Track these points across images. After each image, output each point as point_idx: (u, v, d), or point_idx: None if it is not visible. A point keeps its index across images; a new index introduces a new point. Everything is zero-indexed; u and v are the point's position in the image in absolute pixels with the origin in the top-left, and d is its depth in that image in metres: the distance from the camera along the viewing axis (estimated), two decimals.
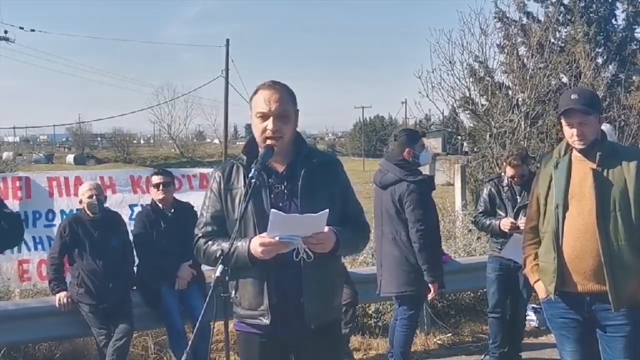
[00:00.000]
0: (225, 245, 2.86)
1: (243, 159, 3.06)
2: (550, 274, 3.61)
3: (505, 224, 5.55)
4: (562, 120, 3.62)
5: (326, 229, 2.81)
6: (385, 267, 5.47)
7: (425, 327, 6.83)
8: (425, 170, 5.68)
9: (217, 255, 2.84)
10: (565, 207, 3.56)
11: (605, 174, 3.53)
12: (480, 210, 5.90)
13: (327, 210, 2.76)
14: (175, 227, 5.51)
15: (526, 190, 5.64)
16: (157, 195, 5.68)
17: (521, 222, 5.35)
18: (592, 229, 3.49)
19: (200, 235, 3.08)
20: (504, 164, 5.97)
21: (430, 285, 5.28)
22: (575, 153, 3.63)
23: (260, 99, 2.97)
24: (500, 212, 5.74)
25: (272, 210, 2.77)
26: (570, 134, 3.58)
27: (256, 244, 2.81)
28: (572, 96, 3.59)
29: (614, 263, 3.46)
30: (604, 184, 3.51)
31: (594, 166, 3.54)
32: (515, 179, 5.71)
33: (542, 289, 3.72)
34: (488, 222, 5.78)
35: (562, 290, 3.61)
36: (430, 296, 5.37)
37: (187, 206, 5.76)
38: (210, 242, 3.02)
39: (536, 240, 3.79)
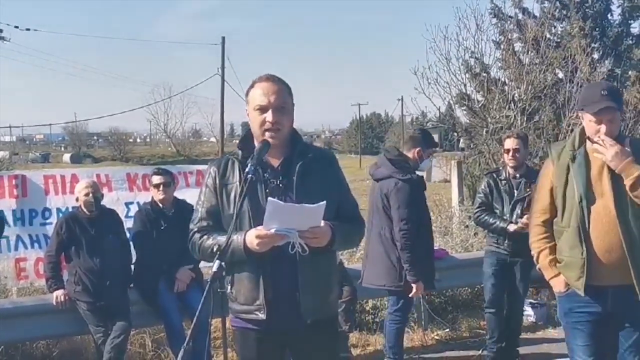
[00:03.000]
0: (221, 239, 2.86)
1: (238, 154, 3.06)
2: (578, 268, 3.56)
3: (515, 228, 5.51)
4: (588, 115, 3.55)
5: (322, 223, 2.81)
6: (370, 259, 5.51)
7: (423, 322, 6.84)
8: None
9: (214, 250, 2.85)
10: (590, 201, 3.53)
11: None
12: (478, 203, 5.88)
13: (325, 202, 2.75)
14: (176, 227, 5.46)
15: (524, 183, 5.65)
16: (157, 195, 5.66)
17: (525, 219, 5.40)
18: (615, 222, 3.49)
19: (195, 230, 3.07)
20: (504, 140, 5.89)
21: (413, 284, 5.24)
22: (589, 145, 3.60)
23: (258, 92, 2.97)
24: (497, 206, 5.74)
25: (270, 198, 2.75)
26: (596, 130, 3.53)
27: (252, 236, 2.81)
28: (602, 92, 3.52)
29: (636, 254, 3.46)
30: (620, 176, 3.51)
31: None
32: (510, 155, 5.67)
33: (561, 283, 3.68)
34: (492, 220, 5.73)
35: (587, 284, 3.57)
36: (411, 294, 5.31)
37: (187, 205, 5.71)
38: (205, 237, 3.02)
39: (547, 234, 3.74)
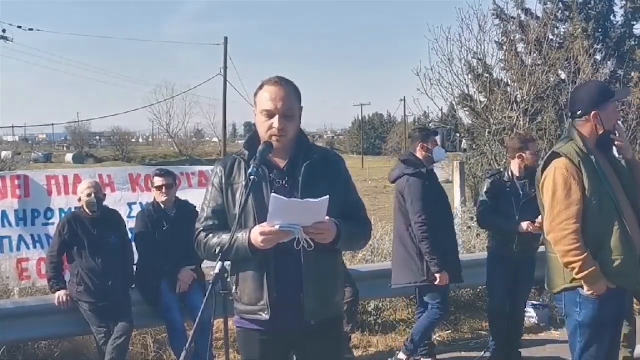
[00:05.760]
0: (226, 238, 2.86)
1: (245, 154, 3.05)
2: (637, 267, 3.50)
3: (531, 228, 5.49)
4: (613, 106, 3.58)
5: (327, 219, 2.79)
6: (395, 261, 5.71)
7: None
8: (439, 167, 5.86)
9: (217, 251, 2.84)
10: (620, 200, 3.52)
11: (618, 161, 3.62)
12: (484, 206, 5.83)
13: (328, 197, 2.73)
14: (178, 228, 5.48)
15: (529, 184, 5.62)
16: (160, 197, 5.65)
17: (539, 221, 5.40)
18: (633, 213, 3.55)
19: (201, 229, 3.07)
20: (522, 141, 5.77)
21: (436, 274, 5.37)
22: (594, 146, 3.60)
23: (266, 96, 2.95)
24: (505, 207, 5.66)
25: (273, 195, 2.74)
26: (617, 118, 3.59)
27: (256, 234, 2.80)
28: (609, 84, 3.60)
29: None
30: (623, 170, 3.58)
31: (611, 156, 3.62)
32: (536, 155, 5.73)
33: (605, 285, 3.53)
34: (500, 221, 5.69)
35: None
36: (437, 283, 5.41)
37: (189, 206, 5.72)
38: (210, 236, 3.02)
39: (582, 240, 3.54)
